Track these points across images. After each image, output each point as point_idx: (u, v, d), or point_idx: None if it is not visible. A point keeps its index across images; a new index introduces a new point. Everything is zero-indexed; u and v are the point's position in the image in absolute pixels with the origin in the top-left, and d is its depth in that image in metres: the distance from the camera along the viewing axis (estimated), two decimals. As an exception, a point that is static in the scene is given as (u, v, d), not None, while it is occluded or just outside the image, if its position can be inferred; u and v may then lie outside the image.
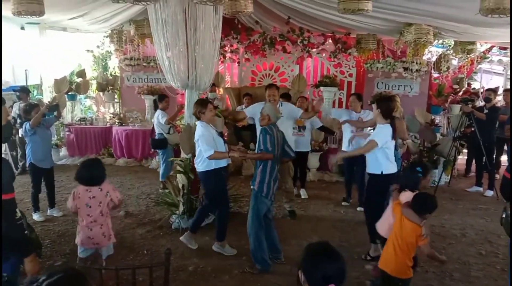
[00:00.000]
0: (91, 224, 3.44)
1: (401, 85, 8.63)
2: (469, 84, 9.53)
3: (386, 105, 4.27)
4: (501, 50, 10.03)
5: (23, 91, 7.86)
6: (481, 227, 5.58)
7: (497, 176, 7.86)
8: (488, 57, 9.72)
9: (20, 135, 7.75)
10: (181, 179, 5.16)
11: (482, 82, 11.57)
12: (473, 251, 4.78)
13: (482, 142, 6.86)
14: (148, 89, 9.20)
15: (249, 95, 8.34)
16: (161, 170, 6.93)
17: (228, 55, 9.19)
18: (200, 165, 4.45)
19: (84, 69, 10.21)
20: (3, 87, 8.39)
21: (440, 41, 8.97)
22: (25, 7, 4.92)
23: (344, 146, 6.13)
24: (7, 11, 5.60)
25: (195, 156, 4.61)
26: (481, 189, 7.28)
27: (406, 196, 3.28)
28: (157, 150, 7.23)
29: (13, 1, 4.87)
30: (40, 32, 8.88)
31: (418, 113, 8.13)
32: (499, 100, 8.70)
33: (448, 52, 8.92)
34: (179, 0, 4.66)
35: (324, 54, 8.92)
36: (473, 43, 8.14)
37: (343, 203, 6.38)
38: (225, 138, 8.13)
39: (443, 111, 8.94)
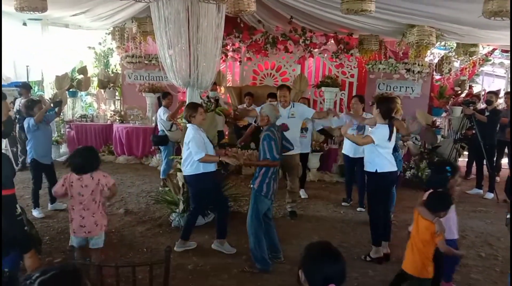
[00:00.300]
0: (83, 212, 3.42)
1: (402, 87, 8.61)
2: (470, 87, 9.53)
3: (385, 106, 4.27)
4: (503, 53, 10.03)
5: (24, 87, 7.87)
6: (481, 229, 5.58)
7: (498, 179, 7.86)
8: (490, 60, 9.71)
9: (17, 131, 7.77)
10: (181, 177, 5.15)
11: (484, 84, 11.57)
12: (473, 254, 4.78)
13: (483, 145, 6.85)
14: (150, 87, 9.20)
15: (250, 94, 8.34)
16: (161, 168, 6.95)
17: (230, 54, 9.19)
18: (188, 169, 4.40)
19: (85, 66, 10.21)
20: (5, 83, 8.40)
21: (443, 43, 8.97)
22: (28, 3, 4.91)
23: (345, 148, 6.12)
24: (9, 7, 5.60)
25: None
26: (481, 191, 7.27)
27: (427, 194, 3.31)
28: (159, 148, 7.26)
29: (15, -4, 4.87)
30: (42, 29, 8.87)
31: (419, 115, 8.13)
32: (501, 103, 8.69)
33: (450, 54, 8.92)
34: (182, -2, 4.66)
35: (326, 54, 8.91)
36: (475, 45, 8.13)
37: (343, 204, 6.38)
38: (225, 137, 8.20)
39: (444, 113, 8.93)
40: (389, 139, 4.20)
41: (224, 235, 4.60)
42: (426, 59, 8.46)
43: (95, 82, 10.54)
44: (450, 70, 8.64)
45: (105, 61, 11.07)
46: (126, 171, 8.13)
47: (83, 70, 9.88)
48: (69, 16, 8.36)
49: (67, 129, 9.21)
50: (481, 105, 8.44)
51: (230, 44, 8.95)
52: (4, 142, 7.89)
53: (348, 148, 6.06)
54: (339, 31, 8.42)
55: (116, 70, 10.63)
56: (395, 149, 4.73)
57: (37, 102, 5.69)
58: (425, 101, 8.66)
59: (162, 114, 6.73)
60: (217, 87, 8.88)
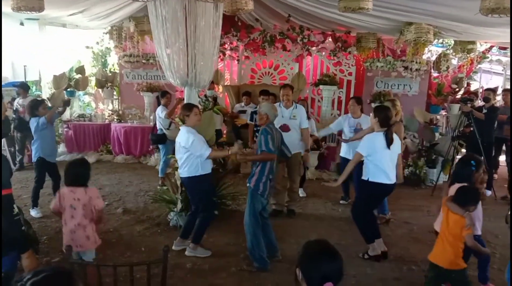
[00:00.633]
0: (74, 227, 3.32)
1: (400, 84, 8.62)
2: (468, 84, 9.54)
3: (384, 114, 4.28)
4: (501, 50, 10.04)
5: (23, 87, 7.88)
6: (479, 226, 5.58)
7: (496, 176, 7.87)
8: (488, 57, 9.72)
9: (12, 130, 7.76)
10: (179, 177, 5.15)
11: (481, 82, 11.57)
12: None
13: (480, 142, 6.85)
14: (147, 86, 9.21)
15: (248, 93, 8.33)
16: (160, 166, 6.97)
17: (228, 52, 9.19)
18: (186, 171, 4.30)
19: (83, 65, 10.19)
20: (2, 83, 8.38)
21: (440, 41, 8.96)
22: (25, 3, 4.89)
23: (343, 152, 6.11)
24: (6, 7, 5.58)
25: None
26: (479, 189, 7.28)
27: (455, 189, 3.33)
28: (157, 147, 7.29)
29: (12, -4, 4.86)
30: (39, 28, 8.86)
31: (417, 113, 8.14)
32: (499, 100, 8.70)
33: (448, 51, 8.92)
34: (179, -3, 4.65)
35: (324, 53, 8.91)
36: (473, 42, 8.13)
37: (341, 202, 6.39)
38: (223, 136, 8.20)
39: (442, 110, 8.94)
40: (388, 147, 4.18)
41: (199, 239, 4.47)
42: (424, 57, 8.45)
43: (93, 81, 10.53)
44: (448, 67, 8.65)
45: (102, 60, 11.04)
46: (124, 171, 8.12)
47: (80, 70, 9.87)
48: (67, 16, 8.35)
49: (65, 129, 9.20)
50: (479, 103, 8.45)
51: (228, 43, 8.96)
52: (2, 141, 7.88)
53: (345, 151, 6.05)
54: (337, 29, 8.42)
55: (114, 70, 10.61)
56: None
57: (42, 101, 5.79)
58: (423, 98, 8.67)
59: (160, 112, 6.79)
60: (215, 85, 8.88)
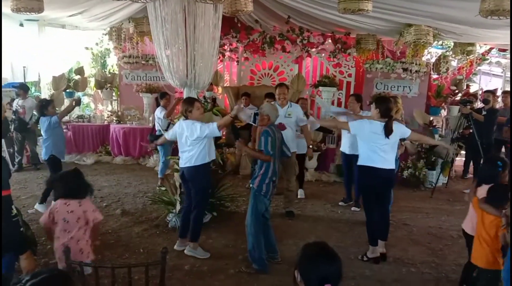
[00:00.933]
0: (67, 240, 3.19)
1: (400, 86, 8.62)
2: (468, 86, 9.54)
3: (384, 105, 4.27)
4: (500, 52, 10.04)
5: (22, 88, 7.88)
6: (478, 228, 5.58)
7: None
8: (488, 59, 9.72)
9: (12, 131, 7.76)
10: (178, 178, 5.14)
11: (481, 83, 11.57)
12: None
13: (480, 144, 6.86)
14: (147, 87, 9.20)
15: (247, 94, 8.33)
16: (159, 167, 6.97)
17: (227, 54, 9.18)
18: (194, 160, 4.28)
19: (82, 66, 10.19)
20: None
21: (440, 42, 8.97)
22: (24, 4, 4.89)
23: (344, 147, 6.11)
24: (6, 8, 5.58)
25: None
26: (478, 190, 7.27)
27: (484, 190, 3.33)
28: (156, 148, 7.28)
29: (12, -3, 4.85)
30: (39, 29, 8.85)
31: (416, 114, 8.14)
32: (499, 101, 8.70)
33: (448, 53, 8.93)
34: (179, -2, 4.65)
35: (323, 54, 8.92)
36: (472, 44, 8.14)
37: (340, 203, 6.38)
38: (223, 137, 8.19)
39: (442, 111, 8.94)
40: (387, 136, 4.17)
41: (197, 237, 4.46)
42: (424, 58, 8.46)
43: (92, 82, 10.52)
44: (447, 69, 8.65)
45: (102, 61, 11.03)
46: (123, 172, 8.11)
47: (80, 71, 9.87)
48: (66, 17, 8.35)
49: (64, 130, 9.17)
50: (478, 104, 8.45)
51: (228, 44, 8.95)
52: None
53: (344, 145, 6.07)
54: (337, 31, 8.42)
55: (113, 71, 10.61)
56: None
57: (51, 101, 5.96)
58: (422, 100, 8.67)
59: (159, 113, 6.80)
60: (214, 87, 8.89)
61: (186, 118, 4.32)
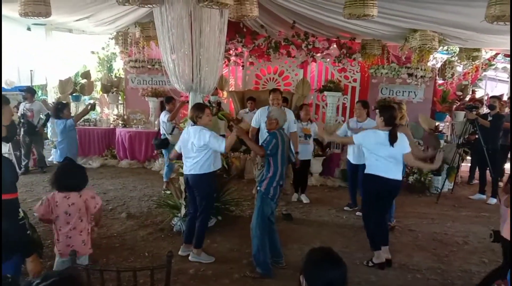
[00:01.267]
0: (70, 232, 3.24)
1: (405, 91, 8.61)
2: (473, 91, 9.52)
3: (389, 113, 4.28)
4: (506, 57, 10.00)
5: (29, 92, 7.96)
6: (483, 235, 5.54)
7: (501, 184, 7.81)
8: (493, 64, 9.69)
9: (22, 135, 7.82)
10: (183, 182, 5.15)
11: (486, 89, 11.54)
12: (475, 259, 4.76)
13: (486, 150, 6.83)
14: (152, 91, 9.24)
15: (252, 99, 8.35)
16: (164, 171, 7.00)
17: (232, 58, 9.22)
18: (199, 168, 4.29)
19: (89, 70, 10.26)
20: (8, 87, 8.45)
21: (445, 48, 8.96)
22: (32, 8, 4.93)
23: (350, 156, 6.12)
24: (14, 12, 5.64)
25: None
26: (484, 196, 7.25)
27: None
28: (161, 152, 7.33)
29: (20, 2, 4.89)
30: (46, 33, 8.93)
31: (422, 120, 8.12)
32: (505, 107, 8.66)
33: (453, 58, 8.91)
34: (185, 3, 4.66)
35: (328, 59, 8.92)
36: (478, 50, 8.12)
37: (345, 208, 6.37)
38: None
39: (447, 117, 8.92)
40: (391, 144, 4.18)
41: (201, 243, 4.47)
42: (429, 64, 8.44)
43: (98, 86, 10.59)
44: (453, 74, 8.63)
45: (108, 65, 11.12)
46: (129, 175, 8.14)
47: (86, 75, 9.94)
48: (73, 21, 8.41)
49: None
50: (484, 110, 8.41)
51: (233, 49, 8.99)
52: (8, 146, 7.93)
53: (350, 154, 6.10)
54: (342, 36, 8.44)
55: (119, 75, 10.68)
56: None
57: (66, 104, 6.19)
58: (428, 105, 8.65)
59: (164, 117, 6.83)
60: (218, 91, 8.92)
61: (195, 123, 4.31)
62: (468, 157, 8.48)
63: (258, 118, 5.83)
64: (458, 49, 8.64)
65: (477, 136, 7.03)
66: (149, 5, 4.64)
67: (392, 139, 4.15)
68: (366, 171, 4.40)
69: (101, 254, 4.54)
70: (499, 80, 12.18)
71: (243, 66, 9.48)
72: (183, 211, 5.15)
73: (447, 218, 6.21)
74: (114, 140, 9.19)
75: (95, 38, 9.84)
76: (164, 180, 6.89)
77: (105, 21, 8.30)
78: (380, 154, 4.23)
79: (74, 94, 9.52)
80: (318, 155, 7.76)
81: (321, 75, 9.40)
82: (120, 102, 10.10)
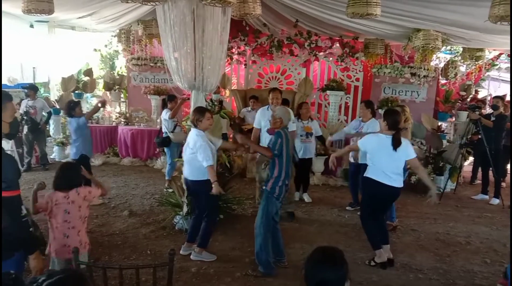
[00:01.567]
0: (68, 231, 3.25)
1: (408, 91, 8.59)
2: (476, 91, 9.48)
3: (392, 118, 4.28)
4: (510, 58, 9.97)
5: (32, 89, 7.97)
6: (486, 235, 5.54)
7: (503, 184, 7.81)
8: (497, 65, 9.66)
9: (25, 132, 7.84)
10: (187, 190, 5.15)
11: (490, 89, 11.50)
12: (477, 260, 4.75)
13: (488, 150, 6.82)
14: (155, 89, 9.25)
15: (255, 97, 8.34)
16: (166, 169, 7.01)
17: (235, 57, 9.20)
18: (191, 174, 4.35)
19: (91, 68, 10.28)
20: (11, 84, 8.47)
21: (448, 47, 8.93)
22: (35, 5, 4.93)
23: (352, 154, 6.11)
24: (17, 9, 5.64)
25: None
26: (487, 197, 7.23)
27: None
28: (163, 150, 7.34)
29: (23, -1, 4.90)
30: (49, 30, 8.94)
31: (424, 119, 8.10)
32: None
33: (456, 58, 8.88)
34: (188, 1, 4.66)
35: (331, 58, 8.90)
36: (481, 50, 8.09)
37: (347, 208, 6.36)
38: (229, 140, 8.20)
39: (450, 117, 8.90)
40: (394, 148, 4.15)
41: (206, 244, 4.48)
42: (432, 63, 8.41)
43: (100, 84, 10.60)
44: (456, 74, 8.60)
45: (110, 63, 11.12)
46: (131, 173, 8.15)
47: (89, 72, 9.95)
48: (76, 19, 8.41)
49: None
50: (487, 110, 8.39)
51: (236, 47, 8.98)
52: (10, 143, 7.94)
53: (352, 154, 6.06)
54: (345, 35, 8.41)
55: (122, 72, 10.68)
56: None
57: (78, 103, 6.27)
58: (430, 105, 8.64)
59: (164, 114, 6.86)
60: (220, 89, 8.90)
61: (195, 126, 4.33)
62: (471, 158, 8.46)
63: (258, 119, 5.85)
64: (461, 49, 8.61)
65: (479, 136, 7.01)
66: (152, 3, 4.63)
67: (396, 144, 4.14)
68: (365, 174, 4.39)
69: (103, 251, 4.55)
70: (502, 80, 12.13)
71: (245, 64, 9.46)
72: (185, 209, 5.15)
73: (449, 218, 6.20)
74: (116, 138, 9.21)
75: (97, 36, 9.84)
76: (166, 178, 6.91)
77: (108, 19, 8.30)
78: (381, 159, 4.23)
79: (76, 92, 9.54)
80: (320, 154, 7.75)
81: (324, 74, 9.38)
82: (122, 100, 10.11)
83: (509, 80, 11.59)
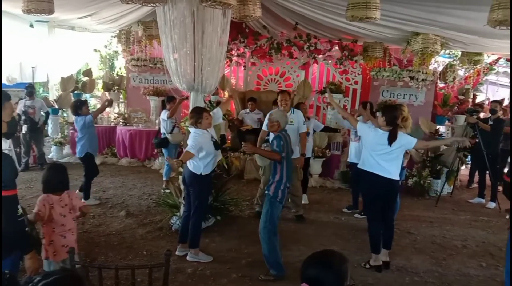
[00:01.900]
0: (64, 232, 3.31)
1: (406, 94, 8.61)
2: (474, 95, 9.51)
3: (391, 113, 4.29)
4: (508, 62, 10.01)
5: (29, 89, 7.96)
6: (482, 239, 5.55)
7: (500, 188, 7.81)
8: (495, 69, 9.69)
9: (23, 132, 7.84)
10: (182, 180, 5.16)
11: (488, 93, 11.54)
12: (473, 263, 4.76)
13: (486, 154, 6.84)
14: (154, 90, 9.26)
15: (253, 99, 8.35)
16: (164, 170, 7.02)
17: (234, 58, 9.22)
18: (193, 166, 4.37)
19: (90, 68, 10.28)
20: (10, 84, 8.47)
21: (447, 51, 8.96)
22: (35, 5, 4.94)
23: (351, 156, 6.13)
24: (16, 9, 5.64)
25: None
26: (483, 200, 7.25)
27: None
28: (161, 151, 7.35)
29: (23, -1, 4.91)
30: (48, 30, 8.95)
31: (422, 123, 8.12)
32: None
33: (455, 62, 8.91)
34: (188, 2, 4.67)
35: (330, 61, 8.93)
36: (480, 54, 8.12)
37: (344, 210, 6.37)
38: (228, 141, 8.21)
39: (447, 121, 8.92)
40: (389, 143, 4.18)
41: (197, 244, 4.47)
42: (430, 67, 8.44)
43: (99, 84, 10.60)
44: (454, 78, 8.63)
45: (110, 63, 11.12)
46: (128, 174, 8.15)
47: (88, 72, 9.95)
48: (76, 19, 8.42)
49: (71, 131, 9.25)
50: (484, 114, 8.42)
51: (235, 49, 9.00)
52: (8, 142, 7.95)
53: (353, 156, 6.05)
54: (344, 38, 8.44)
55: (121, 73, 10.68)
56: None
57: (85, 102, 6.30)
58: (428, 109, 8.65)
59: (163, 114, 6.86)
60: (220, 91, 8.93)
61: (196, 128, 4.36)
62: (468, 161, 8.47)
63: (266, 122, 5.81)
64: (459, 53, 8.64)
65: (477, 140, 7.03)
66: (152, 4, 4.64)
67: (391, 139, 4.15)
68: (359, 165, 4.46)
69: (99, 252, 4.55)
70: (500, 84, 12.18)
71: (245, 66, 9.49)
72: (182, 210, 5.15)
73: (446, 221, 6.21)
74: (114, 138, 9.21)
75: (97, 36, 9.86)
76: (164, 179, 6.91)
77: (108, 19, 8.31)
78: (374, 152, 4.26)
79: (75, 92, 9.54)
80: (318, 157, 7.76)
81: (323, 77, 9.41)
82: (121, 100, 10.11)
83: (506, 84, 11.64)
